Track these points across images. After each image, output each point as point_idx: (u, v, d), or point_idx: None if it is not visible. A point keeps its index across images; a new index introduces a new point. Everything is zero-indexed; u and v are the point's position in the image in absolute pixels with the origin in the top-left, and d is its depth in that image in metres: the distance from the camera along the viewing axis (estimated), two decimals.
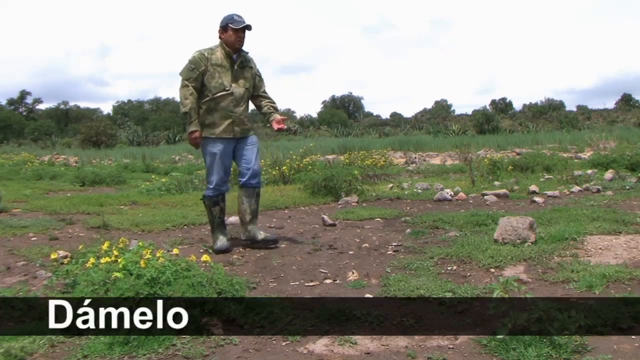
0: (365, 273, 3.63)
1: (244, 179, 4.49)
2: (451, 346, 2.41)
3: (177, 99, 4.48)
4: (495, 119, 38.02)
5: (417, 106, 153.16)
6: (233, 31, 4.35)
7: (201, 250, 4.25)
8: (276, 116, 4.53)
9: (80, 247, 3.37)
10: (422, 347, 2.41)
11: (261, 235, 4.51)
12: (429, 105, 71.34)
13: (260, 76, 4.66)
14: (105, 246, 3.07)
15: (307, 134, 40.05)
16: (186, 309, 2.53)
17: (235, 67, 4.44)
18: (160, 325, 2.45)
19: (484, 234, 4.55)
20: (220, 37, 4.45)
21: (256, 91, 4.63)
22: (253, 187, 4.51)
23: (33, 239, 4.93)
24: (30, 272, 3.75)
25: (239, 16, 4.41)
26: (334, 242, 4.65)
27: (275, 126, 4.49)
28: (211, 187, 4.47)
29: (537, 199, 6.62)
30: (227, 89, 4.39)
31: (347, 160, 11.21)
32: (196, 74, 4.33)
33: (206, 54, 4.39)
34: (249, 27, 4.39)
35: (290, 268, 3.86)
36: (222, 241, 4.40)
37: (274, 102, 4.67)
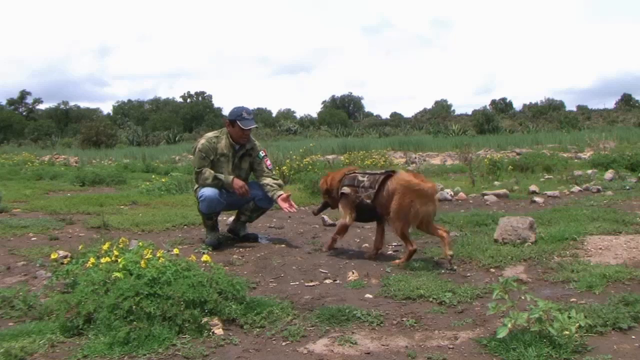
0: (365, 273, 3.63)
1: (256, 198, 4.67)
2: (451, 346, 2.40)
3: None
4: (495, 119, 37.99)
5: (417, 106, 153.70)
6: (240, 129, 4.50)
7: (201, 250, 4.25)
8: (281, 194, 4.56)
9: (80, 247, 3.38)
10: (422, 347, 2.41)
11: (243, 231, 4.87)
12: (429, 105, 71.50)
13: (261, 158, 4.73)
14: (105, 246, 3.07)
15: (307, 134, 40.04)
16: (186, 308, 2.53)
17: (236, 160, 4.63)
18: (160, 325, 2.46)
19: (484, 234, 4.55)
20: (226, 127, 4.60)
21: (257, 172, 4.74)
22: (261, 207, 4.80)
23: (33, 239, 4.93)
24: (30, 272, 3.76)
25: (248, 113, 4.54)
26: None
27: (283, 205, 4.52)
28: (203, 199, 4.45)
29: (537, 199, 6.61)
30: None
31: (347, 160, 11.21)
32: (207, 162, 4.52)
33: (213, 143, 4.54)
34: (256, 128, 4.58)
35: (290, 268, 3.86)
36: (213, 237, 4.62)
37: (276, 179, 4.77)
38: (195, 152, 4.55)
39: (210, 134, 4.65)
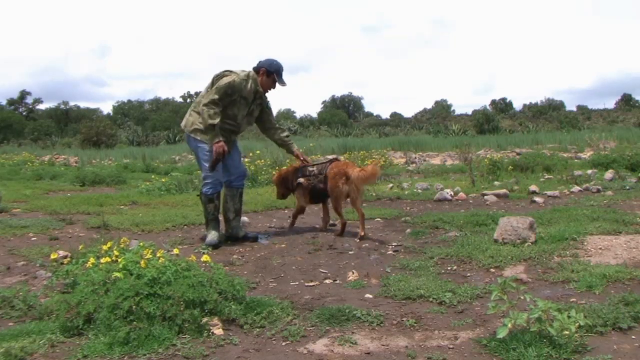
0: (365, 273, 3.63)
1: (231, 179, 4.77)
2: (451, 346, 2.40)
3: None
4: (495, 119, 38.02)
5: (417, 106, 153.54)
6: (272, 81, 4.64)
7: (201, 250, 4.25)
8: (297, 148, 5.05)
9: (80, 247, 3.38)
10: (422, 347, 2.41)
11: (242, 232, 4.83)
12: (429, 105, 71.39)
13: (270, 109, 4.89)
14: (105, 246, 3.07)
15: (307, 134, 40.01)
16: (186, 309, 2.53)
17: (252, 106, 4.68)
18: (160, 325, 2.46)
19: (484, 234, 4.55)
20: (256, 73, 4.62)
21: (266, 123, 4.93)
22: (236, 188, 4.81)
23: (33, 239, 4.93)
24: (30, 272, 3.75)
25: (283, 70, 4.68)
26: (334, 242, 4.65)
27: (299, 157, 5.04)
28: (209, 182, 4.61)
29: (537, 199, 6.61)
30: (237, 122, 4.64)
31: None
32: (229, 99, 4.47)
33: (242, 84, 4.52)
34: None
35: (290, 268, 3.86)
36: (213, 236, 4.60)
37: (284, 129, 5.07)
38: (224, 83, 4.41)
39: (242, 74, 4.53)
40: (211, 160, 4.45)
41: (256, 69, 4.63)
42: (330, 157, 5.13)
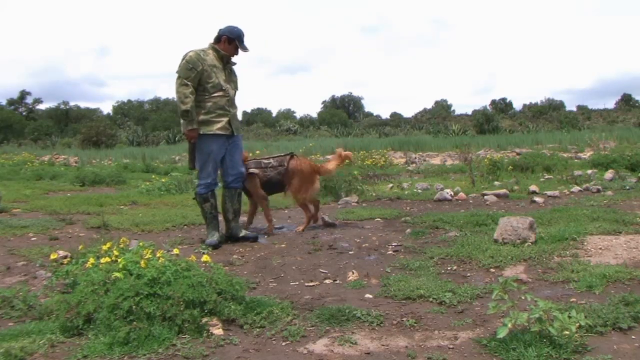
0: (365, 273, 3.63)
1: (229, 181, 4.79)
2: (451, 346, 2.40)
3: (177, 98, 4.57)
4: (495, 119, 37.99)
5: (417, 106, 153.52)
6: (235, 48, 4.66)
7: (201, 250, 4.25)
8: None
9: (80, 247, 3.38)
10: (422, 347, 2.41)
11: (242, 232, 4.83)
12: (429, 105, 71.41)
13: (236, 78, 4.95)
14: (105, 246, 3.07)
15: (307, 134, 40.01)
16: (186, 309, 2.53)
17: (227, 70, 4.73)
18: (160, 325, 2.46)
19: (484, 234, 4.55)
20: (217, 42, 4.66)
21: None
22: (235, 189, 4.84)
23: (33, 239, 4.93)
24: (30, 272, 3.76)
25: (244, 36, 4.71)
26: (334, 242, 4.65)
27: None
28: (202, 183, 4.66)
29: (537, 199, 6.61)
30: (223, 88, 4.62)
31: (346, 160, 11.20)
32: (194, 73, 4.49)
33: (201, 55, 4.56)
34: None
35: (290, 268, 3.86)
36: (213, 236, 4.64)
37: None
38: (182, 62, 4.51)
39: (197, 48, 4.63)
40: (193, 156, 4.62)
41: (217, 38, 4.67)
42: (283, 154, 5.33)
